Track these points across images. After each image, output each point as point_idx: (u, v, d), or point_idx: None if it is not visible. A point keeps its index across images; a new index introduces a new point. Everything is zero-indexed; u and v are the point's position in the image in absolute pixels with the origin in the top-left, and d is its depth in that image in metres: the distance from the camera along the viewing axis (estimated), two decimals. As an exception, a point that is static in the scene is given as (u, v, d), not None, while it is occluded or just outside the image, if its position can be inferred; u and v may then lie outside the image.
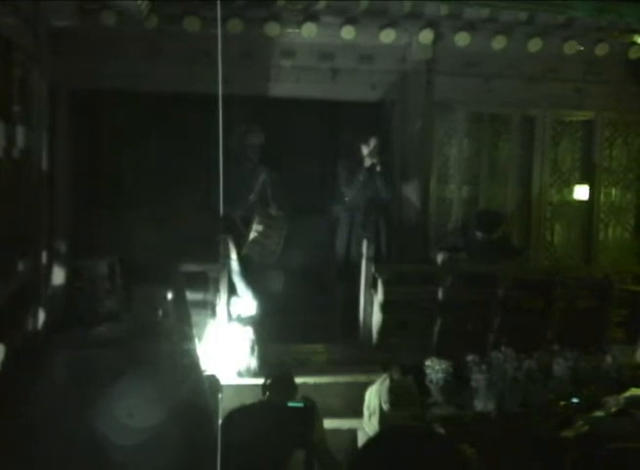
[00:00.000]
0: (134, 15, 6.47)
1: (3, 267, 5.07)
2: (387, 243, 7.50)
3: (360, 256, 7.18)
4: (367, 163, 7.47)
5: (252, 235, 7.03)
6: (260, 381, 5.27)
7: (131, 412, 3.19)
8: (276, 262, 7.25)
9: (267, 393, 5.04)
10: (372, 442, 4.63)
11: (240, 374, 6.36)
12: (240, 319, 6.67)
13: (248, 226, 7.09)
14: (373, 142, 7.46)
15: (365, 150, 7.49)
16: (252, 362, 6.41)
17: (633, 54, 7.82)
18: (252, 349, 6.44)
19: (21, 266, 5.62)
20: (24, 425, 3.41)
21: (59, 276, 6.61)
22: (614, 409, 5.53)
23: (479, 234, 7.35)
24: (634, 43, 7.76)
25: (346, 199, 7.56)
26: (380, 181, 7.44)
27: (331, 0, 7.02)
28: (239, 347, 6.41)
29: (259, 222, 7.06)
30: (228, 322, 6.57)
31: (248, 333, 6.51)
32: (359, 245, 7.25)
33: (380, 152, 7.48)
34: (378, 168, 7.44)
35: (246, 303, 6.97)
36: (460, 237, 7.54)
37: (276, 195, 7.39)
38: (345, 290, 7.38)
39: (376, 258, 7.10)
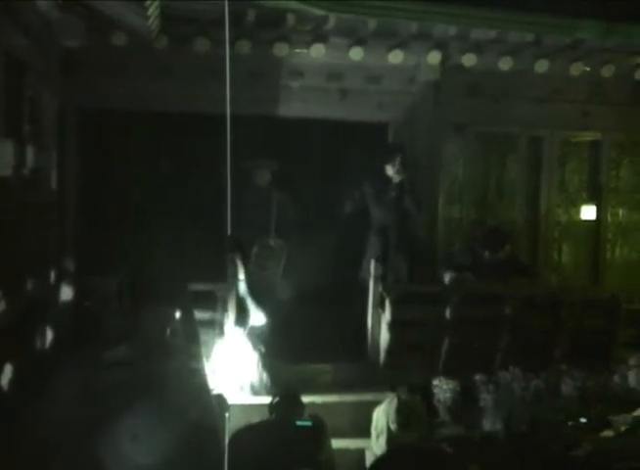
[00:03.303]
0: (144, 35, 6.53)
1: (12, 286, 5.09)
2: (412, 262, 7.48)
3: (392, 276, 7.23)
4: (396, 179, 7.40)
5: (251, 266, 7.02)
6: (267, 400, 5.26)
7: (139, 432, 3.20)
8: (284, 281, 7.22)
9: (274, 412, 5.04)
10: (380, 462, 4.65)
11: (254, 389, 6.35)
12: (249, 337, 6.66)
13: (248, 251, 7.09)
14: (399, 159, 7.36)
15: (391, 169, 7.40)
16: (264, 377, 6.41)
17: (640, 75, 7.87)
18: (264, 363, 6.44)
19: (30, 285, 5.64)
20: (33, 443, 3.42)
21: (67, 295, 6.63)
22: (623, 429, 5.51)
23: (486, 253, 7.35)
24: (640, 64, 7.81)
25: (375, 221, 7.52)
26: (409, 199, 7.38)
27: (339, 21, 7.06)
28: (248, 364, 6.41)
29: (258, 255, 7.03)
30: (237, 341, 6.55)
31: (259, 348, 6.52)
32: (394, 266, 7.30)
33: (405, 169, 7.40)
34: (407, 187, 7.39)
35: (256, 321, 6.95)
36: (467, 256, 7.53)
37: (284, 216, 7.36)
38: (353, 309, 7.38)
39: (410, 280, 7.34)
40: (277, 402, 5.08)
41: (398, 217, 7.41)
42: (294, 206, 7.47)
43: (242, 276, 6.99)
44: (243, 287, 7.00)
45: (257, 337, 6.73)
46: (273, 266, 7.08)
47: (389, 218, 7.42)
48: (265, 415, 5.11)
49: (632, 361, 5.68)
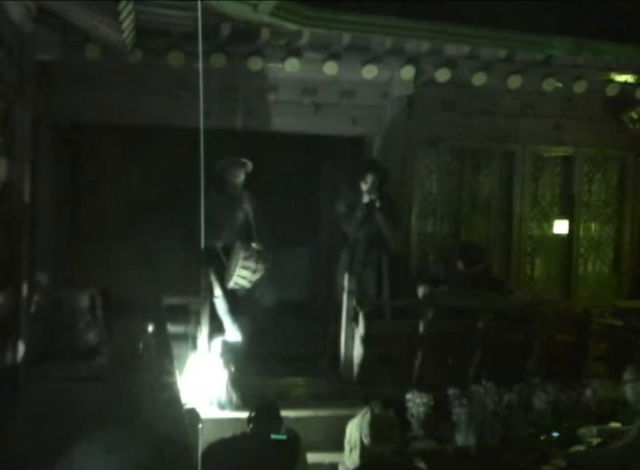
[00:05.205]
0: (118, 48, 6.51)
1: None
2: (390, 280, 7.35)
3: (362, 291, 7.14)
4: (365, 199, 7.29)
5: (240, 271, 6.91)
6: (241, 415, 5.23)
7: (111, 447, 3.18)
8: (257, 295, 7.18)
9: (252, 424, 5.00)
10: (352, 476, 4.64)
11: (221, 406, 6.33)
12: (222, 353, 6.63)
13: (229, 258, 7.01)
14: (370, 178, 7.23)
15: (364, 186, 7.28)
16: (233, 395, 6.37)
17: (611, 91, 7.96)
18: (234, 381, 6.41)
19: (1, 298, 5.59)
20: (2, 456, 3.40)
21: (40, 308, 6.58)
22: (594, 442, 5.55)
23: (460, 266, 7.38)
24: (611, 80, 7.91)
25: (348, 236, 7.42)
26: (380, 217, 7.27)
27: (313, 36, 7.08)
28: (220, 380, 6.38)
29: (247, 258, 6.84)
30: (209, 356, 6.52)
31: (229, 366, 6.49)
32: (359, 282, 7.15)
33: (379, 187, 7.29)
34: (377, 204, 7.25)
35: (231, 338, 6.90)
36: (442, 269, 7.53)
37: (258, 227, 7.32)
38: (327, 323, 7.37)
39: (379, 296, 7.21)
40: (255, 415, 5.04)
41: (370, 234, 7.34)
42: (265, 217, 7.41)
43: (218, 293, 6.94)
44: (220, 303, 6.95)
45: (231, 354, 6.69)
46: (263, 269, 6.95)
47: (360, 235, 7.35)
48: (239, 430, 5.08)
49: (627, 376, 5.72)
